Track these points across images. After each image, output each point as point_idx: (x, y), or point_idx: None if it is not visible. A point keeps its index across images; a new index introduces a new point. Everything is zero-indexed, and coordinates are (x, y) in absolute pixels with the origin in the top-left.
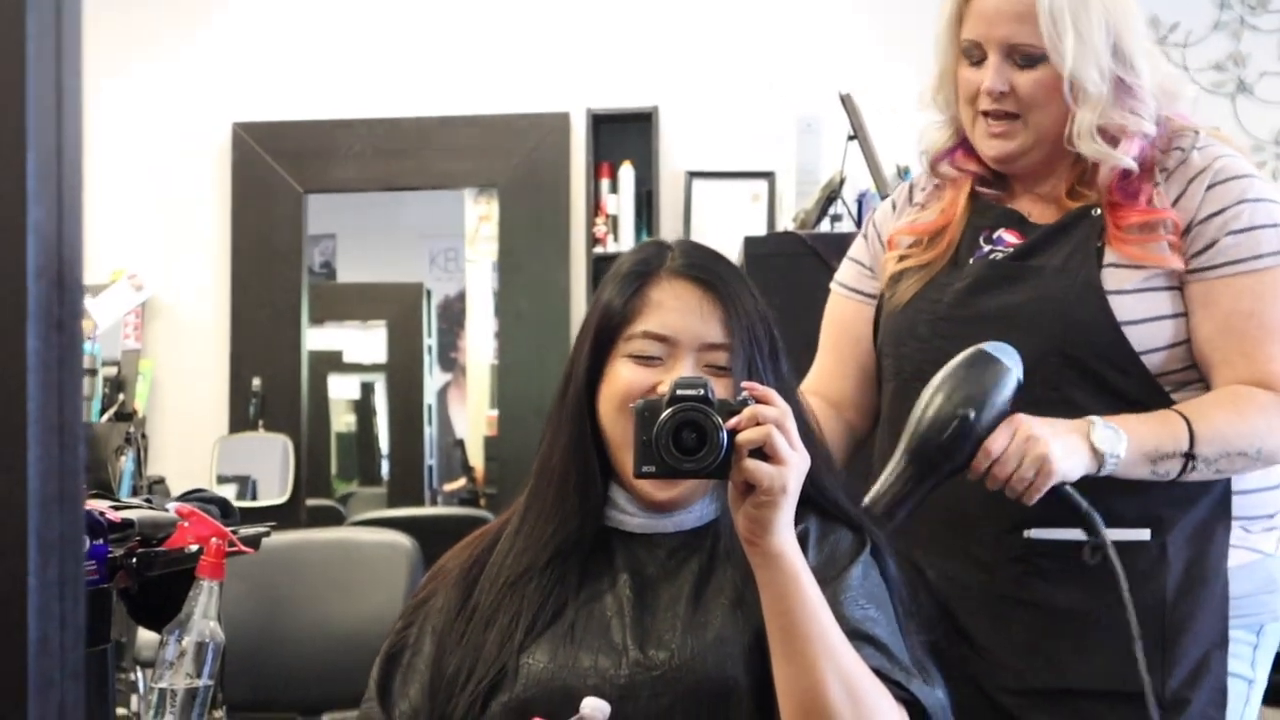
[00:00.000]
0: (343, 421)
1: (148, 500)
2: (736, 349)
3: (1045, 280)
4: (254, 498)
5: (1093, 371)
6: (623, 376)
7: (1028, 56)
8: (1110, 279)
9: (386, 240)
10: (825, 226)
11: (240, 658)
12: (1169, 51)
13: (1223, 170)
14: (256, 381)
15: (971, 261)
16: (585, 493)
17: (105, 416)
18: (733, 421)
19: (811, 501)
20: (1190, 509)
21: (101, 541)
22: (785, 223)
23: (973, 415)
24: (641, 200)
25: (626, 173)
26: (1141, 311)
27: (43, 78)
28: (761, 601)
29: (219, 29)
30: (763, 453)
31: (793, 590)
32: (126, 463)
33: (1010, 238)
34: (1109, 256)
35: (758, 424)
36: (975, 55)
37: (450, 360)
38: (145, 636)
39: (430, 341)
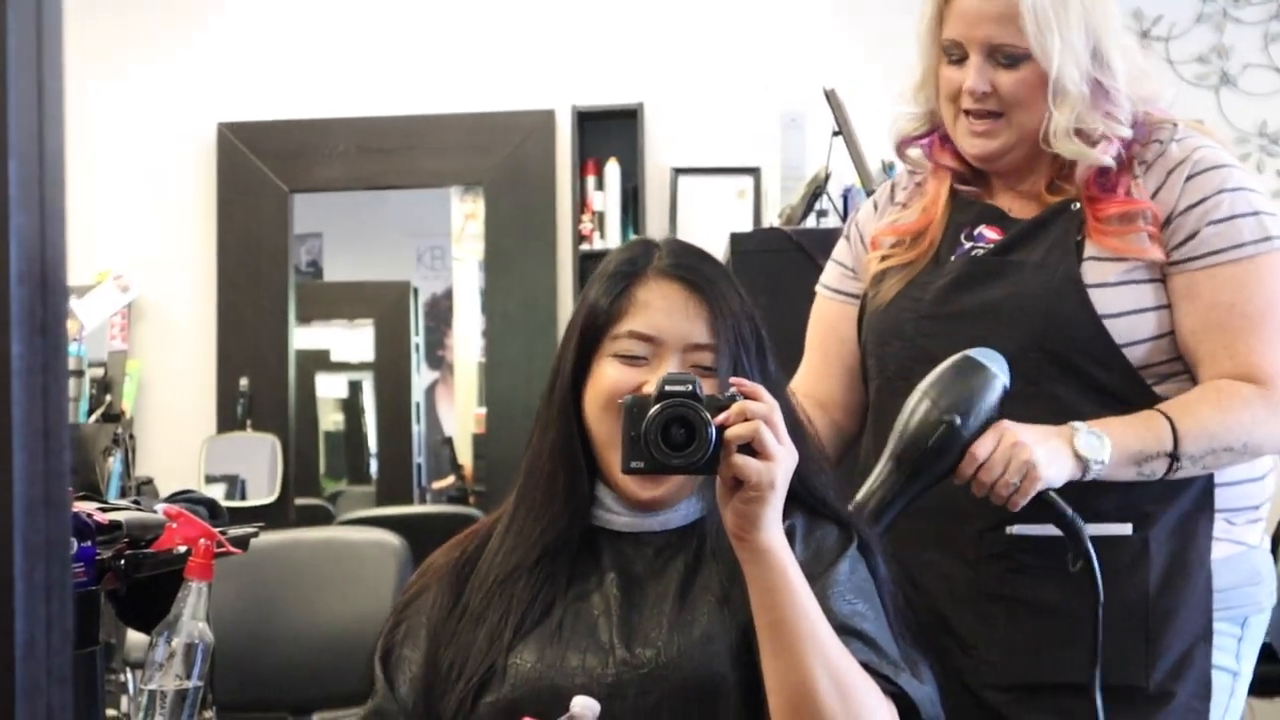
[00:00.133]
0: (331, 420)
1: (135, 502)
2: (722, 349)
3: (1025, 275)
4: (243, 497)
5: (1074, 366)
6: (608, 376)
7: (1010, 56)
8: (1090, 272)
9: (373, 239)
10: (811, 222)
11: (230, 658)
12: (1152, 45)
13: (1201, 161)
14: (244, 381)
15: (953, 259)
16: (573, 492)
17: (93, 418)
18: (721, 417)
19: (798, 498)
20: (1173, 503)
21: (89, 543)
22: (771, 219)
23: (959, 421)
24: (627, 197)
25: (612, 170)
26: (1122, 304)
27: (24, 81)
28: (750, 597)
29: (204, 29)
30: (751, 448)
31: (781, 585)
32: (114, 464)
33: (991, 234)
34: (1089, 250)
35: (746, 419)
36: (956, 54)
37: (438, 358)
38: (135, 638)
39: (418, 340)
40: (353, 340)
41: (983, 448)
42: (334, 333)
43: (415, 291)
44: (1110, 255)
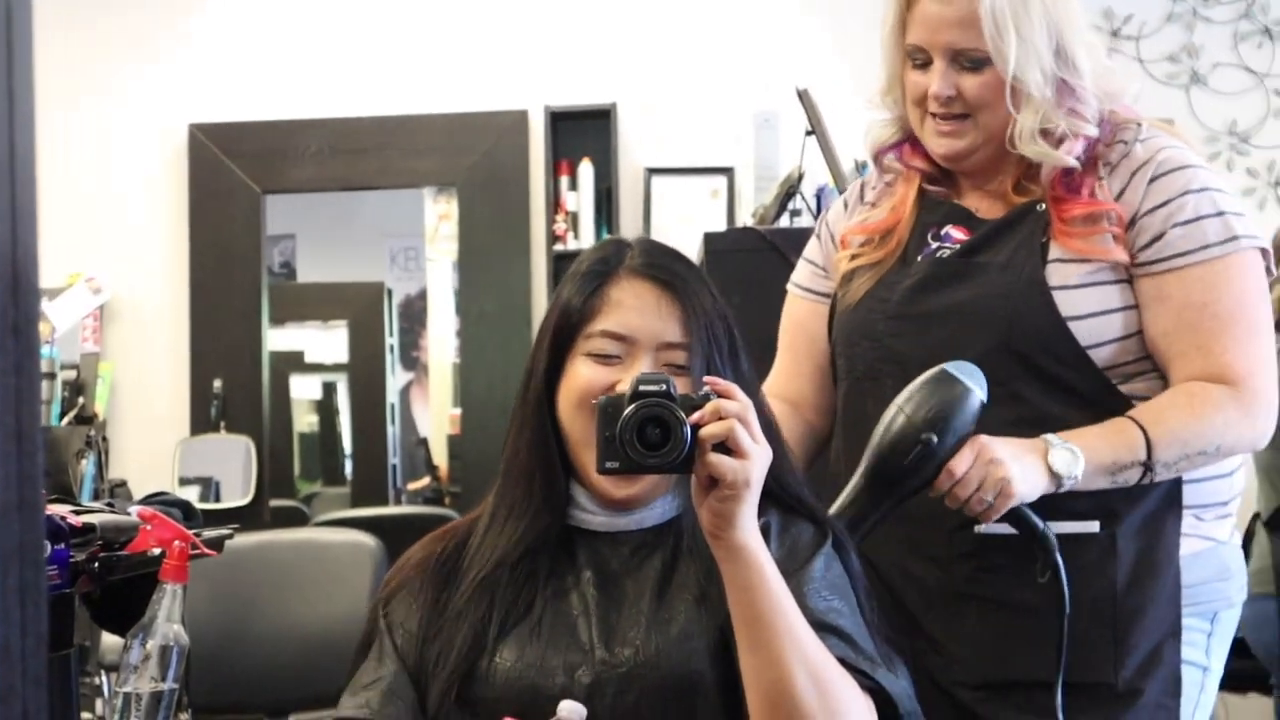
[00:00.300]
0: (305, 422)
1: (109, 504)
2: (695, 348)
3: (990, 277)
4: (217, 499)
5: (1039, 367)
6: (581, 375)
7: (973, 60)
8: (1055, 274)
9: (346, 240)
10: (784, 221)
11: (205, 660)
12: (1122, 44)
13: (1166, 162)
14: (217, 383)
15: (919, 259)
16: (550, 490)
17: (65, 420)
18: (695, 416)
19: (772, 495)
20: (1141, 500)
21: (63, 546)
22: (744, 218)
23: (935, 441)
24: (601, 197)
25: (586, 170)
26: (1087, 306)
27: None
28: (726, 594)
29: (175, 30)
30: (725, 447)
31: (757, 582)
32: (87, 466)
33: (958, 234)
34: (1054, 251)
35: (720, 418)
36: (920, 59)
37: (412, 359)
38: (109, 640)
39: (392, 341)
40: (326, 341)
41: (959, 464)
42: (308, 334)
43: (389, 292)
44: (1074, 257)
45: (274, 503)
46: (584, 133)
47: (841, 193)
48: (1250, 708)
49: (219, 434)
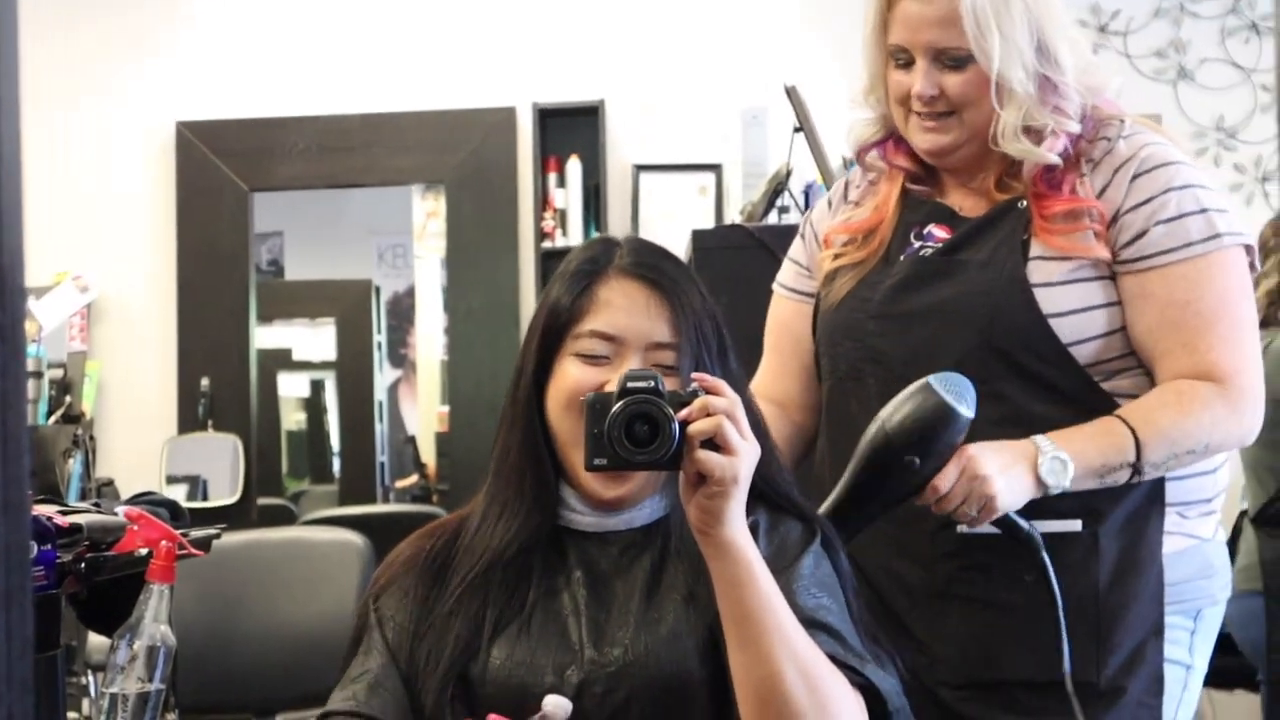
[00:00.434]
0: (293, 420)
1: (96, 504)
2: (684, 348)
3: (971, 275)
4: (204, 498)
5: (1021, 364)
6: (570, 375)
7: (955, 59)
8: (1036, 271)
9: (334, 237)
10: (773, 218)
11: (192, 660)
12: (1109, 39)
13: (1148, 159)
14: (205, 381)
15: (902, 258)
16: (541, 490)
17: (52, 419)
18: (684, 413)
19: (761, 494)
20: (1124, 498)
21: (50, 547)
22: (733, 215)
23: (916, 463)
24: (589, 194)
25: (574, 167)
26: (1069, 303)
27: None
28: (715, 591)
29: (163, 28)
30: (714, 443)
31: (745, 579)
32: (74, 465)
33: (940, 232)
34: (1035, 249)
35: (708, 414)
36: (903, 58)
37: (400, 357)
38: (96, 640)
39: (380, 338)
40: (314, 339)
41: (944, 480)
42: (295, 332)
43: (377, 290)
44: (1056, 254)
45: (262, 501)
46: (572, 130)
47: (830, 190)
48: (1237, 704)
49: (206, 432)
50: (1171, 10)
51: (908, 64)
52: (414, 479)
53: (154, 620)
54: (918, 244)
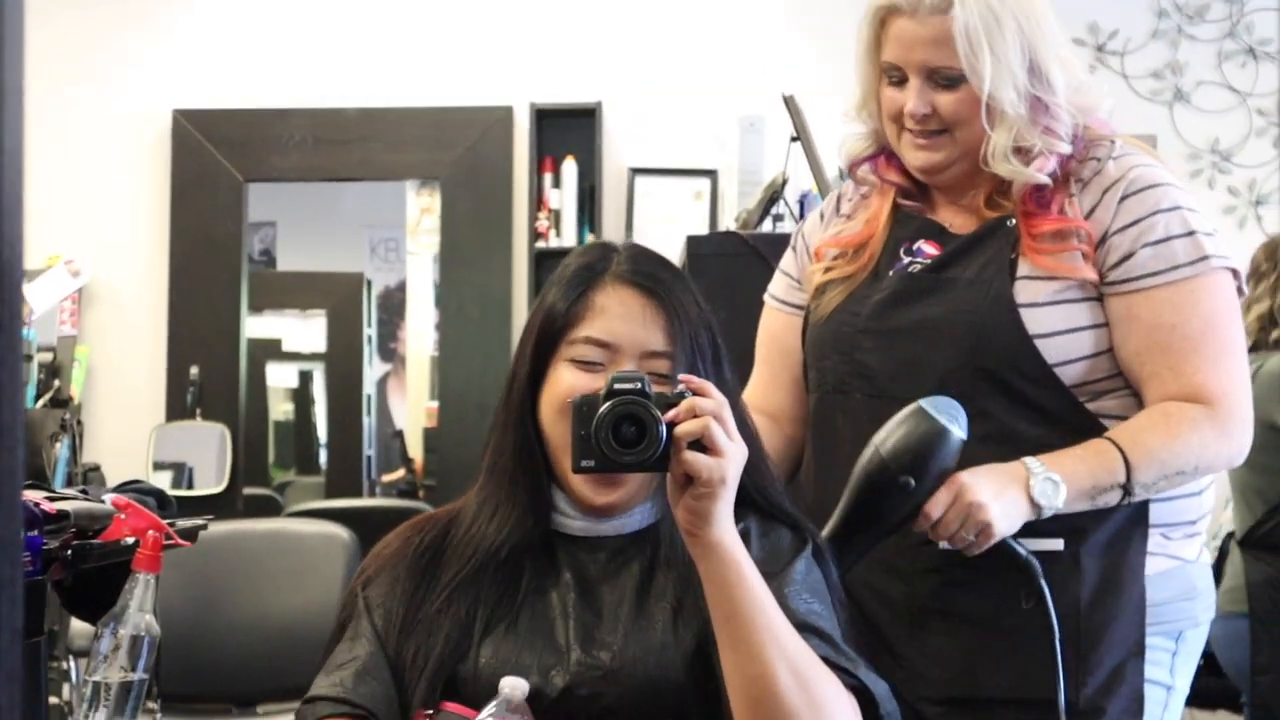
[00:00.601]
0: (280, 410)
1: (83, 490)
2: (679, 357)
3: (958, 293)
4: (190, 486)
5: (1006, 383)
6: (564, 381)
7: (948, 78)
8: (1023, 291)
9: (327, 229)
10: (767, 226)
11: (175, 649)
12: (1107, 59)
13: (1137, 180)
14: (194, 369)
15: (890, 274)
16: (534, 493)
17: (40, 403)
18: (671, 414)
19: (752, 503)
20: (1106, 518)
21: (36, 533)
22: (727, 221)
23: (912, 484)
24: (584, 195)
25: (569, 168)
26: (1055, 324)
27: None
28: (705, 593)
29: (161, 15)
30: (701, 445)
31: (734, 579)
32: (61, 449)
33: (930, 249)
34: (1022, 268)
35: (695, 416)
36: (896, 76)
37: (390, 351)
38: (78, 625)
39: (370, 332)
40: (304, 330)
41: (937, 507)
42: (286, 322)
43: (368, 283)
44: (1043, 274)
45: (247, 490)
46: (568, 131)
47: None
48: None
49: (194, 420)
50: (1169, 32)
51: (901, 81)
52: (401, 473)
53: (139, 610)
54: (907, 260)
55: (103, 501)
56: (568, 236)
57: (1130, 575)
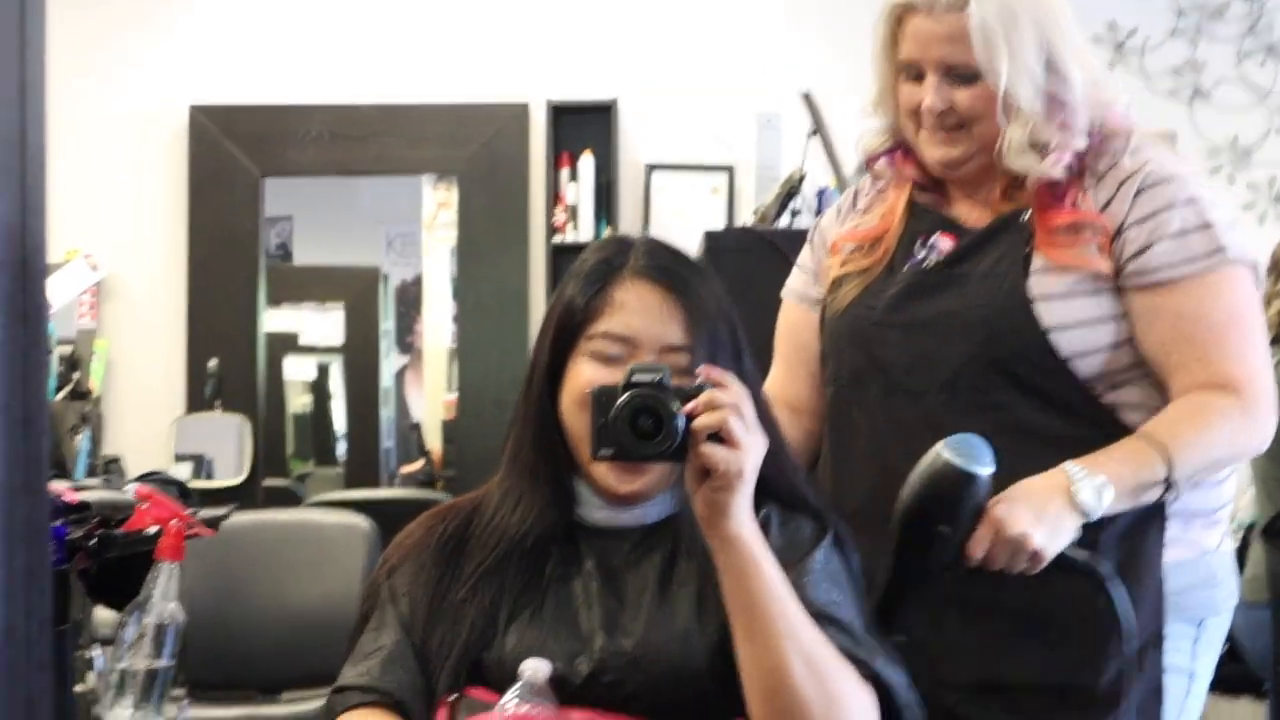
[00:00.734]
0: (299, 402)
1: (106, 481)
2: (698, 351)
3: (972, 287)
4: (210, 477)
5: (1020, 377)
6: (584, 374)
7: (965, 74)
8: (1037, 285)
9: (343, 224)
10: (784, 221)
11: (199, 637)
12: (1126, 57)
13: (1153, 174)
14: (213, 362)
15: (905, 268)
16: (557, 484)
17: (60, 395)
18: (689, 406)
19: (772, 490)
20: (1123, 510)
21: (60, 523)
22: (745, 216)
23: (949, 530)
24: (601, 191)
25: (586, 163)
26: (1070, 317)
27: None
28: (722, 584)
29: (178, 11)
30: (719, 437)
31: (752, 571)
32: (82, 441)
33: (945, 243)
34: (1036, 262)
35: (714, 408)
36: (913, 72)
37: (407, 344)
38: (102, 614)
39: (387, 325)
40: (322, 324)
41: (979, 546)
42: (303, 316)
43: (385, 277)
44: (1058, 267)
45: (266, 482)
46: (585, 126)
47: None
48: (1241, 711)
49: (214, 412)
50: (1188, 30)
51: (918, 77)
52: (419, 465)
53: (163, 598)
54: (922, 254)
55: (125, 491)
56: (584, 231)
57: (1147, 566)
